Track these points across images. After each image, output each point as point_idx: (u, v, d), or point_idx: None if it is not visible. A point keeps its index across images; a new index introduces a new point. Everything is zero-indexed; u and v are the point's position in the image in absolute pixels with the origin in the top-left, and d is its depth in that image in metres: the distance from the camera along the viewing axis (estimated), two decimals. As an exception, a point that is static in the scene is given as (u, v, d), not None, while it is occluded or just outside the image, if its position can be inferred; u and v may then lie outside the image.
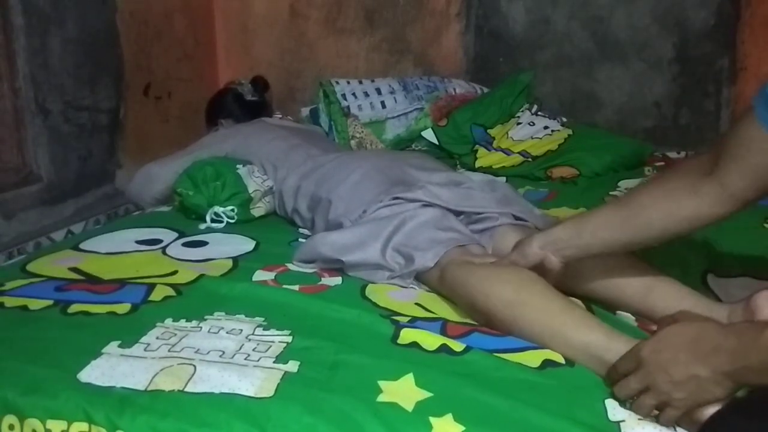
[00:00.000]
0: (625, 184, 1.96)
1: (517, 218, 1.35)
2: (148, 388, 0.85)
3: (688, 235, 1.06)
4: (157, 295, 1.16)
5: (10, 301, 1.12)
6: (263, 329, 1.02)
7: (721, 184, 0.94)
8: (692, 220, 0.98)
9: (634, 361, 0.84)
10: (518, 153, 2.20)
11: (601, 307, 1.14)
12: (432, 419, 0.80)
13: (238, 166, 1.68)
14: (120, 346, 0.95)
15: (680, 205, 0.97)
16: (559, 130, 2.26)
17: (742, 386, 0.77)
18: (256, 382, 0.86)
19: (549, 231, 1.11)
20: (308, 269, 1.31)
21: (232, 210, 1.60)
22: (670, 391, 0.80)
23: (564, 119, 2.34)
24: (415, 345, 0.98)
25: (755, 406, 0.74)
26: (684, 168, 1.01)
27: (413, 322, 1.06)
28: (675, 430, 0.81)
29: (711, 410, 0.78)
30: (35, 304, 1.11)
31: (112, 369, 0.89)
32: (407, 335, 1.01)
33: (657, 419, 0.82)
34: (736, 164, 0.92)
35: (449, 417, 0.81)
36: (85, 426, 0.81)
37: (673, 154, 2.33)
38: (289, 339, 0.98)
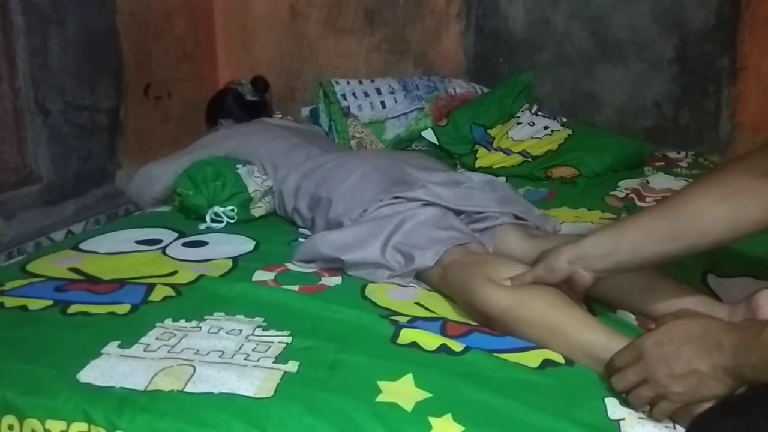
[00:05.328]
0: (625, 184, 1.96)
1: (517, 218, 1.35)
2: (148, 389, 0.85)
3: (738, 242, 0.94)
4: (156, 296, 1.16)
5: (10, 301, 1.12)
6: (263, 329, 1.02)
7: None
8: (752, 226, 0.88)
9: (634, 353, 0.84)
10: (518, 153, 2.20)
11: (602, 305, 1.14)
12: (431, 419, 0.80)
13: (238, 166, 1.68)
14: (119, 346, 0.95)
15: (741, 210, 0.88)
16: (559, 130, 2.26)
17: (742, 384, 0.77)
18: (255, 382, 0.86)
19: (580, 243, 1.00)
20: (308, 269, 1.30)
21: (232, 210, 1.60)
22: (668, 385, 0.80)
23: (564, 119, 2.34)
24: (414, 345, 0.98)
25: (744, 406, 0.74)
26: (735, 169, 0.91)
27: (413, 322, 1.06)
28: (675, 428, 0.81)
29: (706, 406, 0.78)
30: (35, 304, 1.11)
31: (111, 369, 0.89)
32: (407, 335, 1.01)
33: (649, 413, 0.82)
34: None
35: (449, 417, 0.80)
36: (84, 426, 0.81)
37: (673, 154, 2.33)
38: (289, 339, 0.98)
